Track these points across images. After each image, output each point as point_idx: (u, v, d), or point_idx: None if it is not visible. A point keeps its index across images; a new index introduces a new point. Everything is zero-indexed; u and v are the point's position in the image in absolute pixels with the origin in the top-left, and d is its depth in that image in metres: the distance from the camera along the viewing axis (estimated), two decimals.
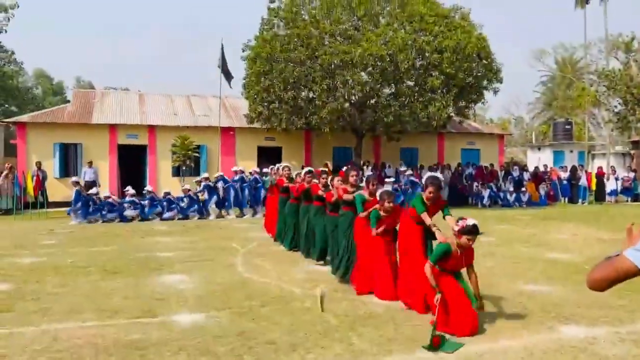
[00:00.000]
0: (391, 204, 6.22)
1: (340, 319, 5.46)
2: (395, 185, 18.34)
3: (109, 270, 8.00)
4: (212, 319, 5.51)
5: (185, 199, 16.11)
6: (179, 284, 7.14)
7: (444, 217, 5.73)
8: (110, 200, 15.73)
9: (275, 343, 4.75)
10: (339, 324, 5.30)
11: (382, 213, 6.26)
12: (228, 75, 20.65)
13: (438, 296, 4.96)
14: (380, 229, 6.19)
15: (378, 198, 6.39)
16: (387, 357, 4.42)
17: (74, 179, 15.99)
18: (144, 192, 16.60)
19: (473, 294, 5.11)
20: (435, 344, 4.55)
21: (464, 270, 5.29)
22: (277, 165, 11.62)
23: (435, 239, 5.64)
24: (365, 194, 6.73)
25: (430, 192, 5.75)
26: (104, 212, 15.33)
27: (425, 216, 5.69)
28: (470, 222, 5.11)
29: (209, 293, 6.59)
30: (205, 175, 17.14)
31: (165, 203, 16.00)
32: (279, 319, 5.49)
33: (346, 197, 7.17)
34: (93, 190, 16.15)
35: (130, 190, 16.06)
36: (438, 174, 6.33)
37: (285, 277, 7.57)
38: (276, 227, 10.71)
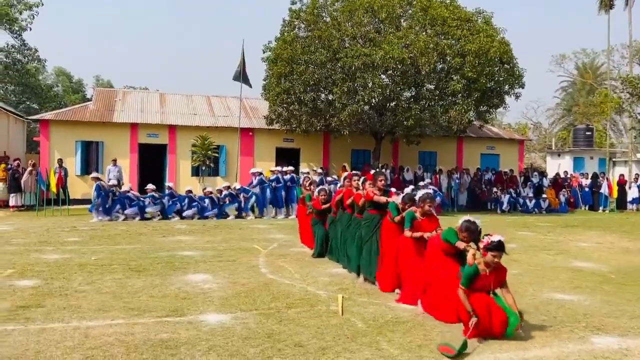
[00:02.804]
0: (431, 208, 6.13)
1: (367, 324, 5.44)
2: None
3: (134, 269, 8.07)
4: (239, 319, 5.52)
5: (207, 200, 16.20)
6: (204, 283, 7.18)
7: None
8: (130, 194, 15.82)
9: (303, 346, 4.75)
10: (367, 329, 5.29)
11: (418, 216, 6.21)
12: (245, 78, 20.66)
13: (474, 320, 4.88)
14: (417, 234, 6.09)
15: (418, 200, 6.33)
16: None
17: (93, 174, 16.12)
18: (166, 186, 16.76)
19: (511, 310, 5.01)
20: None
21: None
22: (317, 188, 10.77)
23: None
24: (417, 213, 6.35)
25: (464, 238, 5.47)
26: (126, 205, 15.46)
27: (459, 244, 5.41)
28: (495, 238, 5.02)
29: (234, 294, 6.61)
30: (227, 184, 17.30)
31: (186, 200, 16.11)
32: (306, 321, 5.49)
33: (377, 198, 7.16)
34: (113, 182, 16.35)
35: (150, 186, 16.21)
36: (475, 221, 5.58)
37: (309, 279, 7.57)
38: (315, 245, 9.77)
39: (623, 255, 10.41)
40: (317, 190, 9.97)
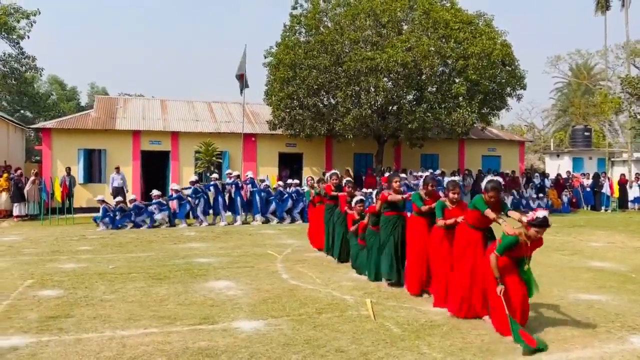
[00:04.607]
0: (456, 195, 6.12)
1: (403, 328, 5.43)
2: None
3: (154, 277, 8.01)
4: (273, 326, 5.49)
5: (212, 188, 16.35)
6: (227, 290, 7.14)
7: (506, 214, 5.58)
8: (137, 203, 15.73)
9: (344, 351, 4.73)
10: (403, 333, 5.27)
11: (448, 204, 6.19)
12: (244, 83, 20.44)
13: (500, 287, 4.99)
14: (450, 221, 6.06)
15: (446, 188, 6.34)
16: None
17: (99, 197, 16.03)
18: (171, 189, 16.80)
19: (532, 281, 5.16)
20: (530, 342, 4.62)
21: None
22: (327, 174, 11.17)
23: (494, 238, 5.59)
24: (446, 202, 6.29)
25: (491, 197, 5.59)
26: (132, 218, 15.39)
27: (489, 212, 5.46)
28: (540, 214, 5.05)
29: (261, 300, 6.58)
30: (237, 173, 17.28)
31: (192, 192, 16.20)
32: (340, 327, 5.46)
33: (392, 197, 7.18)
34: (119, 198, 16.23)
35: (155, 192, 16.16)
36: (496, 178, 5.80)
37: (332, 284, 7.55)
38: (325, 238, 10.12)
39: (637, 254, 10.45)
40: (329, 174, 10.11)
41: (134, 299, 6.63)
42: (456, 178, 6.44)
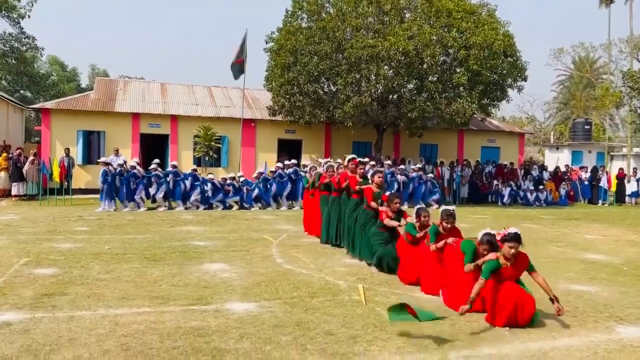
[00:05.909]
0: (449, 225, 6.27)
1: None
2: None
3: (149, 258, 8.07)
4: (265, 308, 5.55)
5: (209, 184, 16.21)
6: (222, 273, 7.19)
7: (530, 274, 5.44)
8: (135, 171, 15.70)
9: (334, 334, 4.78)
10: None
11: (441, 230, 6.34)
12: (241, 68, 20.22)
13: (465, 307, 4.98)
14: (440, 244, 6.18)
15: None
16: (451, 351, 4.43)
17: (102, 159, 16.14)
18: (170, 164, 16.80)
19: (549, 298, 5.16)
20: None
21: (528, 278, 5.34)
22: (324, 162, 11.26)
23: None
24: (439, 228, 6.42)
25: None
26: (131, 186, 15.46)
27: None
28: (512, 230, 5.14)
29: (255, 283, 6.64)
30: (232, 175, 17.29)
31: (190, 178, 16.08)
32: (331, 310, 5.52)
33: (387, 222, 7.54)
34: (120, 161, 16.29)
35: (154, 163, 16.21)
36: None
37: (325, 269, 7.61)
38: (322, 228, 10.00)
39: (631, 247, 10.51)
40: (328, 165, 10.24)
41: (128, 279, 6.69)
42: (450, 207, 6.51)
